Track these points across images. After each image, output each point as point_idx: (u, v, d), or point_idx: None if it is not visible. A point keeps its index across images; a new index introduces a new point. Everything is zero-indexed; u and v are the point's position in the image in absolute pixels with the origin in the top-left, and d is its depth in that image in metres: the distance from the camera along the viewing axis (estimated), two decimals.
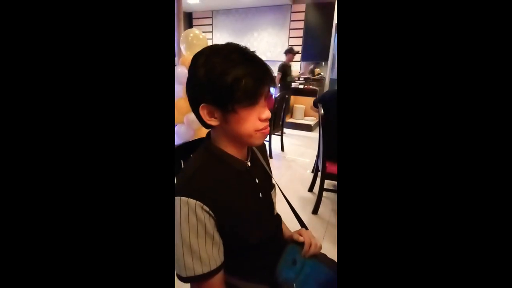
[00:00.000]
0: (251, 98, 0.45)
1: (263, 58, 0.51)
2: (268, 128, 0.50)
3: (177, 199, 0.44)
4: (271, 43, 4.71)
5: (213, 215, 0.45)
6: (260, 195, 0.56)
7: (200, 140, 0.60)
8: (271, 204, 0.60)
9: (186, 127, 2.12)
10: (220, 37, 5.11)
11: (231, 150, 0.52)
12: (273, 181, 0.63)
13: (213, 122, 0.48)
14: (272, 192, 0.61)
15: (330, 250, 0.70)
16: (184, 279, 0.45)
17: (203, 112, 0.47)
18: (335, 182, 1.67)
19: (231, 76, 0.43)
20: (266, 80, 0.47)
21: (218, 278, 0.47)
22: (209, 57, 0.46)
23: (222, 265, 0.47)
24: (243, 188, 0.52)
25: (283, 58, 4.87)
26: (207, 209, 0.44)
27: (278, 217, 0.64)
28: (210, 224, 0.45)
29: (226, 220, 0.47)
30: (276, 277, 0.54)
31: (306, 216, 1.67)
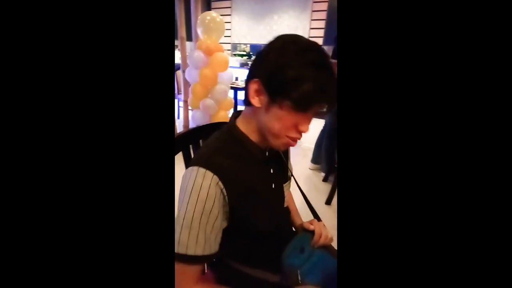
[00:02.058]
0: (304, 105, 0.43)
1: None
2: (296, 142, 0.48)
3: (193, 169, 0.43)
4: (292, 27, 4.52)
5: (225, 193, 0.44)
6: (272, 186, 0.55)
7: (216, 124, 0.60)
8: (281, 197, 0.59)
9: (202, 112, 2.13)
10: (239, 21, 4.98)
11: (254, 137, 0.51)
12: (289, 174, 0.61)
13: (256, 101, 0.46)
14: (286, 184, 0.60)
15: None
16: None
17: (252, 86, 0.45)
18: None
19: (296, 73, 0.41)
20: (327, 96, 0.43)
21: (202, 266, 0.46)
22: (287, 43, 0.44)
23: (213, 255, 0.46)
24: (257, 176, 0.52)
25: None
26: (222, 186, 0.43)
27: (286, 210, 0.63)
28: (218, 202, 0.44)
29: (236, 202, 0.46)
30: (281, 262, 0.53)
31: (319, 206, 1.64)
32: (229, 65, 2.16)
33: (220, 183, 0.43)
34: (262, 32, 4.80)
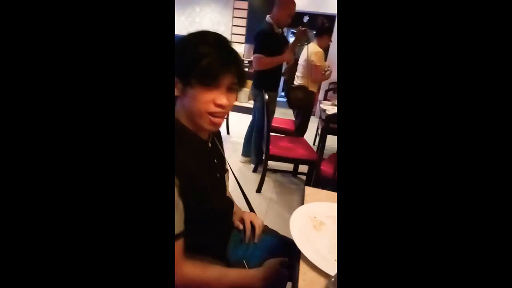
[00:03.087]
0: (210, 79, 0.47)
1: None
2: (223, 118, 0.52)
3: None
4: (214, 21, 4.49)
5: (177, 182, 0.47)
6: (217, 175, 0.60)
7: None
8: (225, 185, 0.64)
9: None
10: None
11: (192, 127, 0.53)
12: (227, 166, 0.67)
13: (176, 92, 0.49)
14: (226, 175, 0.65)
15: (273, 223, 0.79)
16: None
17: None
18: (277, 163, 1.82)
19: (196, 52, 0.47)
20: (232, 69, 0.48)
21: (180, 244, 0.49)
22: (188, 35, 0.49)
23: (183, 233, 0.49)
24: (203, 165, 0.55)
25: (227, 37, 4.74)
26: (175, 177, 0.46)
27: (230, 199, 0.69)
28: (176, 190, 0.47)
29: (187, 189, 0.49)
30: (228, 258, 0.60)
31: (251, 195, 1.78)
32: None
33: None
34: (184, 23, 4.57)
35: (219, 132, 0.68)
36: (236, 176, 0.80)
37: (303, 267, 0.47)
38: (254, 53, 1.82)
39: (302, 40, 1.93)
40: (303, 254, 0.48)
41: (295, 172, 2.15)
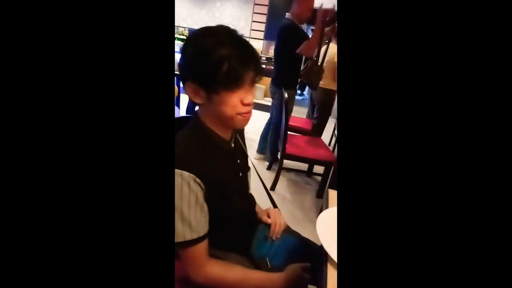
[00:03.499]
0: (234, 81, 0.46)
1: None
2: (251, 113, 0.52)
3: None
4: (234, 16, 4.49)
5: (203, 186, 0.48)
6: (240, 174, 0.60)
7: (185, 117, 0.60)
8: (247, 184, 0.65)
9: None
10: (178, 2, 4.62)
11: (217, 129, 0.54)
12: (249, 163, 0.66)
13: (198, 100, 0.50)
14: (248, 173, 0.65)
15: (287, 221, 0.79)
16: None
17: (187, 89, 0.49)
18: (291, 162, 1.81)
19: (215, 57, 0.44)
20: (252, 65, 0.47)
21: (204, 244, 0.51)
22: (199, 37, 0.46)
23: (208, 234, 0.51)
24: (227, 166, 0.56)
25: (246, 33, 4.73)
26: (199, 181, 0.47)
27: (252, 197, 0.70)
28: (200, 194, 0.48)
29: (212, 193, 0.50)
30: (252, 255, 0.60)
31: (264, 192, 1.78)
32: None
33: (197, 179, 0.47)
34: (204, 17, 4.60)
35: (242, 130, 0.68)
36: (251, 173, 0.80)
37: (330, 271, 0.46)
38: (295, 49, 1.70)
39: (326, 36, 1.86)
40: (330, 257, 0.47)
41: (309, 172, 2.13)
